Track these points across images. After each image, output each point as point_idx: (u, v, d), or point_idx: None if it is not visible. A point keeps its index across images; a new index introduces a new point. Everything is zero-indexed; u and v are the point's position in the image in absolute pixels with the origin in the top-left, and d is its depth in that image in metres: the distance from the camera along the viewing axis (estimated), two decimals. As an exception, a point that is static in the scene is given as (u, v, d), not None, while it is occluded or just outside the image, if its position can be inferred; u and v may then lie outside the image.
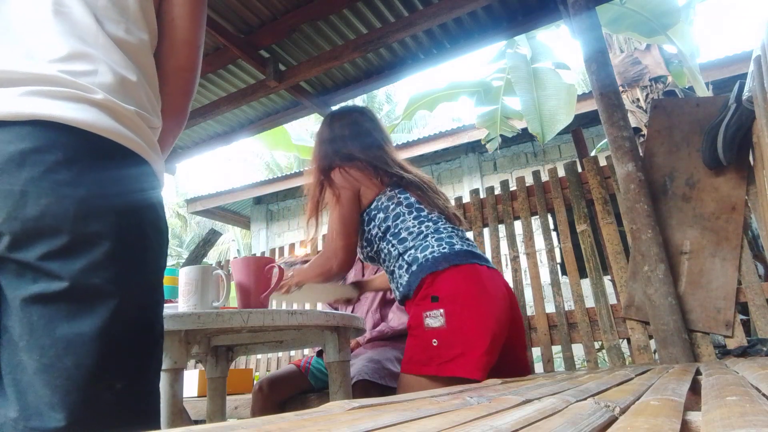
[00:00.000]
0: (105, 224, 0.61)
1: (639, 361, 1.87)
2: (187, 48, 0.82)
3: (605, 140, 2.42)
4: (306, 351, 2.59)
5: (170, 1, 0.80)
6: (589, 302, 2.04)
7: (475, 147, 6.90)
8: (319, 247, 2.75)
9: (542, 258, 5.02)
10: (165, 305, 0.85)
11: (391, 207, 1.41)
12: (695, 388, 0.75)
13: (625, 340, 1.99)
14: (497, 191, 2.49)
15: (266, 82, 2.72)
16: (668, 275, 1.73)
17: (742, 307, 1.79)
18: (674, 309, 1.70)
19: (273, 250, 3.32)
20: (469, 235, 2.46)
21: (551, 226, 2.33)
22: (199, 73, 0.85)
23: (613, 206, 2.11)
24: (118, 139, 0.64)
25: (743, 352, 1.62)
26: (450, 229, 1.40)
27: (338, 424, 0.35)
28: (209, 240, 4.21)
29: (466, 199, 2.61)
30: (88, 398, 0.57)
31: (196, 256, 4.18)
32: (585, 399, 0.53)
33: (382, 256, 1.44)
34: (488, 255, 2.36)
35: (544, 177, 2.31)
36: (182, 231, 15.98)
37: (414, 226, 1.38)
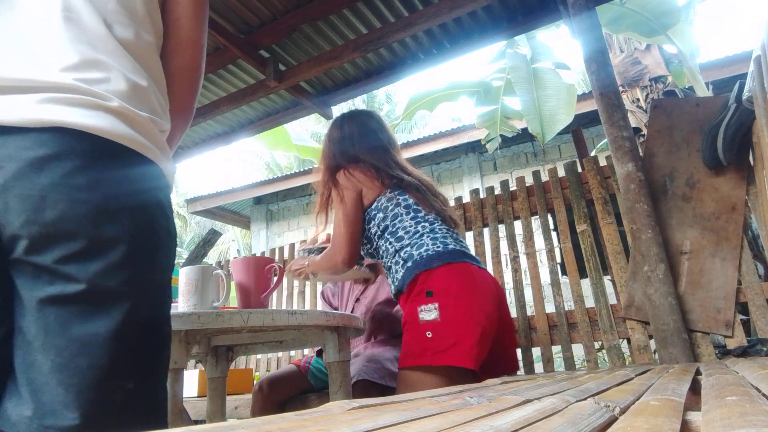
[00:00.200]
0: (120, 228, 0.63)
1: (639, 361, 1.87)
2: (191, 47, 0.83)
3: (605, 140, 2.42)
4: (306, 351, 2.59)
5: (174, 1, 0.81)
6: (589, 302, 2.04)
7: (475, 147, 6.90)
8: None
9: (542, 258, 5.02)
10: None
11: (390, 208, 1.49)
12: (695, 388, 0.75)
13: (625, 340, 1.99)
14: (497, 191, 2.49)
15: (266, 82, 2.72)
16: (668, 275, 1.73)
17: (742, 307, 1.79)
18: (674, 309, 1.70)
19: (273, 250, 3.33)
20: (469, 234, 2.46)
21: (551, 226, 2.33)
22: (203, 71, 0.87)
23: (613, 206, 2.11)
24: (133, 146, 0.66)
25: (743, 352, 1.62)
26: (445, 230, 1.48)
27: (338, 424, 0.35)
28: (209, 240, 4.20)
29: (466, 199, 2.61)
30: (101, 397, 0.59)
31: (196, 256, 4.18)
32: (585, 399, 0.53)
33: (381, 252, 1.52)
34: (488, 255, 2.37)
35: (544, 177, 2.31)
36: (182, 231, 15.98)
37: (411, 226, 1.46)
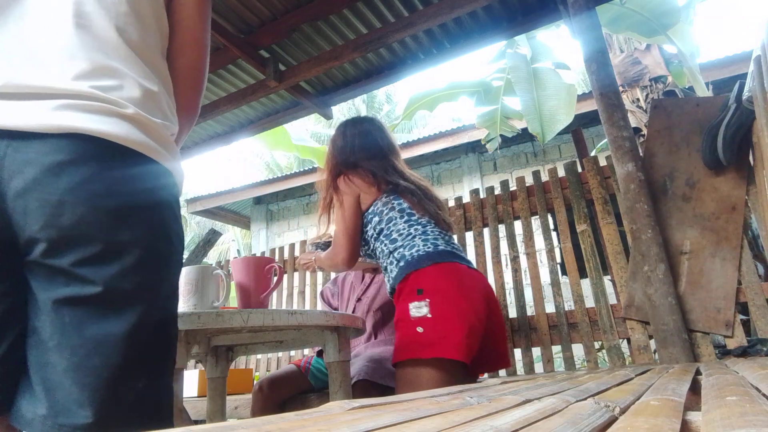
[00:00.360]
0: (136, 233, 0.64)
1: (639, 361, 1.87)
2: (196, 47, 0.85)
3: (605, 140, 2.42)
4: (306, 351, 2.59)
5: (178, 3, 0.83)
6: (589, 302, 2.04)
7: (475, 147, 6.90)
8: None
9: (542, 258, 5.02)
10: None
11: (385, 211, 1.57)
12: (695, 388, 0.75)
13: (625, 340, 1.99)
14: (497, 191, 2.49)
15: (266, 82, 2.72)
16: (668, 275, 1.73)
17: (742, 307, 1.79)
18: (674, 309, 1.70)
19: (273, 250, 3.33)
20: (469, 234, 2.47)
21: (551, 226, 2.33)
22: (207, 70, 0.89)
23: (613, 206, 2.11)
24: (147, 152, 0.67)
25: (743, 352, 1.62)
26: (437, 232, 1.55)
27: (338, 424, 0.35)
28: (209, 240, 4.20)
29: (466, 199, 2.61)
30: (114, 396, 0.60)
31: (196, 256, 4.17)
32: (585, 399, 0.53)
33: (377, 253, 1.61)
34: (488, 255, 2.37)
35: (544, 177, 2.31)
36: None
37: (404, 229, 1.54)
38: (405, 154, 6.83)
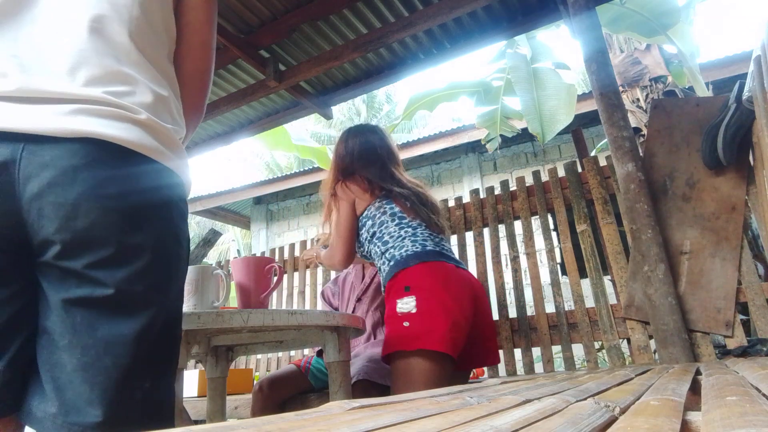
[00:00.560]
0: (147, 236, 0.65)
1: (639, 361, 1.87)
2: (203, 50, 0.86)
3: (605, 140, 2.42)
4: (306, 351, 2.59)
5: (185, 6, 0.83)
6: (589, 302, 2.04)
7: (475, 147, 6.90)
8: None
9: (542, 258, 5.02)
10: None
11: (378, 215, 1.66)
12: (695, 388, 0.75)
13: (625, 340, 1.99)
14: (497, 191, 2.49)
15: (266, 82, 2.72)
16: (668, 275, 1.73)
17: (742, 307, 1.79)
18: (674, 309, 1.70)
19: (273, 250, 3.33)
20: (469, 235, 2.47)
21: (551, 226, 2.33)
22: (213, 72, 0.90)
23: (613, 206, 2.11)
24: (158, 157, 0.68)
25: (743, 352, 1.62)
26: (427, 234, 1.63)
27: (338, 424, 0.35)
28: (209, 240, 4.20)
29: (466, 199, 2.61)
30: (123, 396, 0.61)
31: (196, 256, 4.18)
32: (585, 399, 0.53)
33: (372, 255, 1.70)
34: (488, 255, 2.37)
35: (544, 177, 2.31)
36: (182, 231, 15.94)
37: (395, 231, 1.62)
38: (405, 154, 6.85)
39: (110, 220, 0.62)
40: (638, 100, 3.63)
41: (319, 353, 2.00)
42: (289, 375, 1.96)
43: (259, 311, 1.12)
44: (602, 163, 2.19)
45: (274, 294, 3.03)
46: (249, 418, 0.53)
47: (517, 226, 2.38)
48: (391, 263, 1.58)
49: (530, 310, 2.18)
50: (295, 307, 3.07)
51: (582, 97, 5.32)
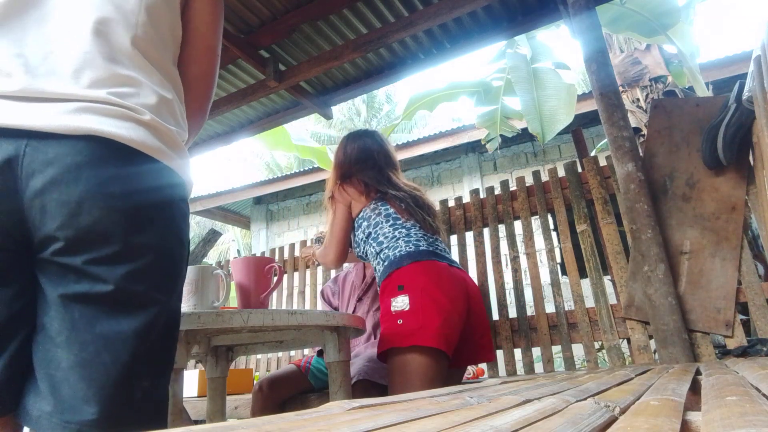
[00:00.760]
0: (150, 236, 0.66)
1: (639, 361, 1.87)
2: (208, 55, 0.86)
3: (605, 140, 2.42)
4: (306, 351, 2.59)
5: (193, 10, 0.84)
6: (589, 302, 2.04)
7: (475, 147, 6.90)
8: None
9: (542, 258, 5.03)
10: None
11: (373, 217, 1.71)
12: (695, 388, 0.75)
13: (625, 340, 1.99)
14: (497, 191, 2.49)
15: (266, 82, 2.72)
16: (668, 275, 1.73)
17: (742, 307, 1.79)
18: (674, 309, 1.70)
19: (273, 250, 3.33)
20: (469, 235, 2.46)
21: (551, 226, 2.33)
22: (217, 76, 0.90)
23: (613, 206, 2.11)
24: (161, 157, 0.69)
25: (743, 352, 1.62)
26: (421, 234, 1.67)
27: (338, 424, 0.35)
28: (209, 240, 4.21)
29: (466, 199, 2.61)
30: (120, 394, 0.61)
31: (196, 256, 4.18)
32: (585, 399, 0.53)
33: (367, 255, 1.75)
34: (488, 255, 2.37)
35: (544, 177, 2.31)
36: (182, 231, 15.94)
37: (389, 232, 1.67)
38: (405, 154, 6.85)
39: (114, 218, 0.62)
40: (638, 100, 3.63)
41: (319, 353, 2.00)
42: (289, 375, 1.96)
43: (259, 311, 1.12)
44: (602, 163, 2.19)
45: (274, 294, 3.03)
46: (249, 418, 0.53)
47: (517, 226, 2.38)
48: (386, 263, 1.62)
49: (530, 310, 2.18)
50: (295, 307, 3.07)
51: (582, 97, 5.32)
